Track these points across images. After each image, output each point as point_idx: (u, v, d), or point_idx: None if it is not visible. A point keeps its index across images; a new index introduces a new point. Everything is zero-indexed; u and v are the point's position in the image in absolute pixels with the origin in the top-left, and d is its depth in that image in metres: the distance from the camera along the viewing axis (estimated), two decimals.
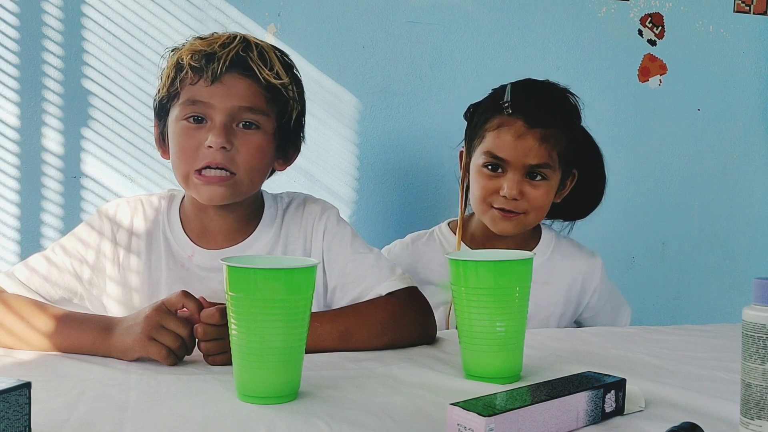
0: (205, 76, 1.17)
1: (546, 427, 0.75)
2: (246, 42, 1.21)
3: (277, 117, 1.23)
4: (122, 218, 1.28)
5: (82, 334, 1.05)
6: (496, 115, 1.44)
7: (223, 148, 1.17)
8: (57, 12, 1.61)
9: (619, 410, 0.83)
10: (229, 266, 0.86)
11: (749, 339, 0.72)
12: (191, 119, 1.20)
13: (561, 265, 1.54)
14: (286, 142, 1.28)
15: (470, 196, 1.50)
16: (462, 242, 1.51)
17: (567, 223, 1.60)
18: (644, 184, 2.02)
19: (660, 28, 1.99)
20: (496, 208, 1.44)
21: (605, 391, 0.81)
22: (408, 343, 1.16)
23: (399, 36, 1.80)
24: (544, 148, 1.41)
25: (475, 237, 1.54)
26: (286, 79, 1.22)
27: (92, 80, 1.63)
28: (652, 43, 1.99)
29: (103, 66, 1.64)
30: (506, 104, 1.42)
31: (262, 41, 1.24)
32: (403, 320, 1.16)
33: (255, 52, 1.20)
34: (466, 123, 1.52)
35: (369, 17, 1.78)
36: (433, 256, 1.52)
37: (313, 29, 1.75)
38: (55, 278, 1.23)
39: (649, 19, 1.98)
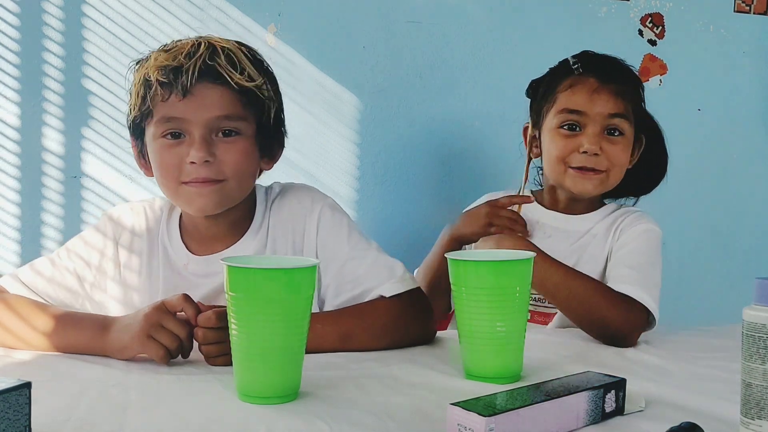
0: (176, 90, 1.13)
1: (546, 427, 0.75)
2: (212, 48, 1.16)
3: (256, 119, 1.20)
4: (126, 224, 1.28)
5: (79, 333, 1.05)
6: (567, 77, 1.46)
7: (206, 161, 1.14)
8: (57, 12, 1.61)
9: (619, 410, 0.83)
10: (229, 266, 0.86)
11: (749, 339, 0.72)
12: (169, 136, 1.16)
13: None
14: (269, 140, 1.25)
15: (545, 161, 1.48)
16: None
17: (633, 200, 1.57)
18: None
19: (660, 28, 1.99)
20: (574, 168, 1.43)
21: (605, 391, 0.81)
22: (409, 344, 1.15)
23: (399, 36, 1.80)
24: (620, 100, 1.43)
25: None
26: (259, 80, 1.18)
27: (92, 80, 1.63)
28: (652, 43, 1.99)
29: (104, 66, 1.64)
30: (576, 64, 1.45)
31: (227, 42, 1.19)
32: (404, 323, 1.16)
33: (223, 57, 1.15)
34: (530, 100, 1.52)
35: (369, 17, 1.78)
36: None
37: (313, 29, 1.75)
38: (59, 281, 1.23)
39: (649, 19, 1.98)
